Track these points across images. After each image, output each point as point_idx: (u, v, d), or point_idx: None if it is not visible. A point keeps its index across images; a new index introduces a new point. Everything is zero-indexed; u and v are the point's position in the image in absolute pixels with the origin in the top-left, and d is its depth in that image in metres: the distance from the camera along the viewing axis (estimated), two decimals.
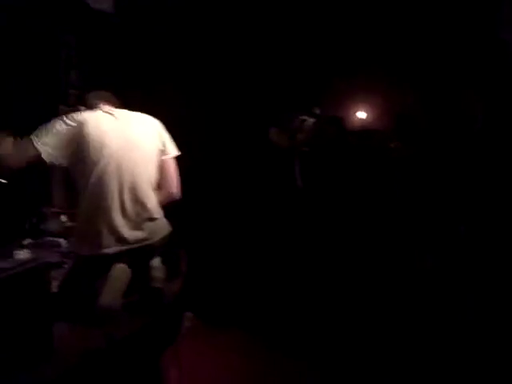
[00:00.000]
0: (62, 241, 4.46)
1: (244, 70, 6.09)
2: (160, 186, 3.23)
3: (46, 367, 2.57)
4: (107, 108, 3.19)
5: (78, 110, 3.16)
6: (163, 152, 3.21)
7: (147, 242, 3.10)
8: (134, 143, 3.08)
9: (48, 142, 2.90)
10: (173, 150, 3.25)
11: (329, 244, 4.50)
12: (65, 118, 3.00)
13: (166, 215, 3.30)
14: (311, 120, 5.11)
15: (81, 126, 2.97)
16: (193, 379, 3.28)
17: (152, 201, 3.13)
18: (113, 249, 2.99)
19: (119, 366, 2.88)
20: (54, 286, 3.15)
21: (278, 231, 4.68)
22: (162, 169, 3.19)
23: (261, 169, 5.18)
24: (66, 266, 3.63)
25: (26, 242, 4.66)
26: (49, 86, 5.56)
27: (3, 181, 5.07)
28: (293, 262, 4.45)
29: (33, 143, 2.90)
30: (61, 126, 2.95)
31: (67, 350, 2.78)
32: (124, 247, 3.02)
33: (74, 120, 2.98)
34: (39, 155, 2.90)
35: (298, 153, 4.94)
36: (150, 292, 3.12)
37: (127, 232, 3.02)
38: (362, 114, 6.00)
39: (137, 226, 3.06)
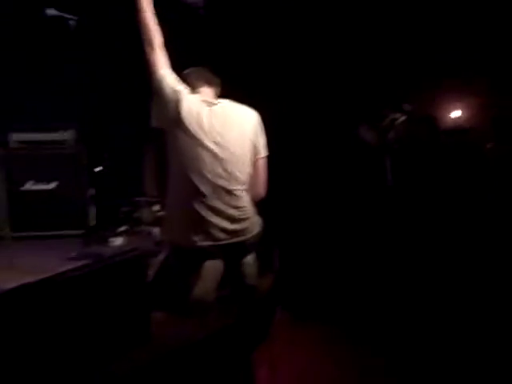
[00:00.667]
0: (154, 229, 4.57)
1: (335, 66, 6.04)
2: (249, 184, 3.21)
3: (142, 352, 2.63)
4: (207, 94, 3.13)
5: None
6: (256, 151, 3.18)
7: (240, 239, 3.09)
8: (229, 139, 3.04)
9: (170, 83, 2.95)
10: (264, 151, 3.22)
11: (416, 242, 4.44)
12: (182, 85, 3.01)
13: (259, 212, 3.31)
14: (403, 118, 5.02)
15: (179, 105, 2.96)
16: (282, 373, 3.29)
17: (245, 199, 3.12)
18: (206, 243, 2.99)
19: (212, 358, 2.92)
20: (149, 274, 3.23)
21: (367, 227, 4.64)
22: (252, 168, 3.17)
23: (350, 166, 5.14)
24: (160, 255, 3.72)
25: (121, 229, 4.82)
26: (139, 76, 5.69)
27: (99, 168, 5.26)
28: (381, 258, 4.41)
29: (162, 68, 2.95)
30: (180, 86, 2.97)
31: (163, 337, 2.83)
32: (217, 243, 3.04)
33: (178, 92, 2.98)
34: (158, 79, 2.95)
35: (388, 151, 4.87)
36: (242, 288, 3.12)
37: (220, 228, 3.02)
38: (456, 113, 5.85)
39: (230, 222, 3.06)
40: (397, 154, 4.87)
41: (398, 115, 5.02)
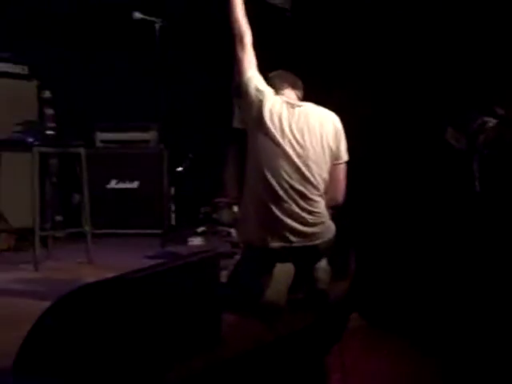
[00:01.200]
0: (232, 231, 4.57)
1: (422, 67, 5.87)
2: (325, 189, 3.16)
3: (213, 353, 2.61)
4: (290, 97, 3.12)
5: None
6: (335, 156, 3.12)
7: (312, 243, 3.06)
8: (309, 143, 3.00)
9: (256, 84, 2.97)
10: (345, 156, 3.15)
11: (505, 253, 4.22)
12: (267, 87, 3.02)
13: (337, 214, 3.25)
14: (493, 121, 4.81)
15: (262, 105, 2.96)
16: (355, 379, 3.21)
17: (320, 204, 3.08)
18: (278, 244, 2.97)
19: (283, 361, 2.88)
20: (224, 275, 3.22)
21: (452, 235, 4.46)
22: (330, 173, 3.12)
23: (436, 170, 4.97)
24: (236, 256, 3.71)
25: (200, 230, 4.85)
26: (222, 77, 5.74)
27: (180, 169, 5.33)
28: (466, 268, 4.23)
29: (249, 69, 2.98)
30: (265, 88, 3.00)
31: (234, 338, 2.82)
32: (289, 244, 3.00)
33: (262, 92, 2.99)
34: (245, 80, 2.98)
35: (477, 155, 4.67)
36: (314, 293, 3.08)
37: (293, 231, 3.00)
38: None
39: (303, 226, 3.03)
40: (486, 160, 4.67)
41: (488, 119, 4.81)
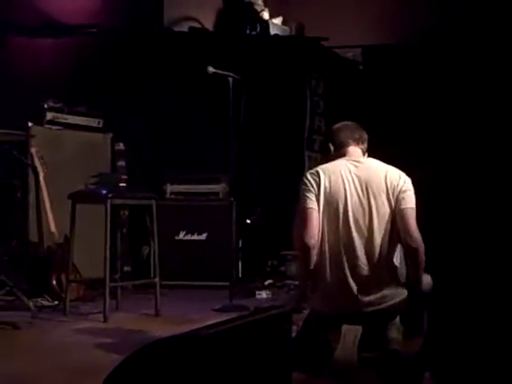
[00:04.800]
0: None
1: (486, 119, 5.75)
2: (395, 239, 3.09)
3: None
4: (353, 153, 3.12)
5: (328, 150, 3.16)
6: (399, 203, 3.05)
7: (382, 307, 2.98)
8: (371, 203, 2.96)
9: (314, 201, 2.98)
10: (411, 202, 3.06)
11: None
12: (315, 171, 3.05)
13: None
14: None
15: (320, 179, 2.99)
16: None
17: (388, 266, 3.00)
18: (346, 310, 2.94)
19: None
20: (293, 330, 3.16)
21: None
22: (399, 218, 3.04)
23: (508, 224, 4.81)
24: (304, 311, 3.64)
25: (267, 282, 4.81)
26: (294, 130, 5.78)
27: (248, 221, 5.33)
28: None
29: (313, 211, 2.99)
30: (312, 182, 3.01)
31: None
32: (359, 310, 2.94)
33: (314, 176, 3.02)
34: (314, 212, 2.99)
35: None
36: (387, 353, 2.98)
37: (360, 296, 2.93)
38: None
39: (371, 290, 2.96)
40: None
41: None
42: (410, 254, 3.03)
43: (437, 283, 4.40)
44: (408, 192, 3.04)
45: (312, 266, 3.00)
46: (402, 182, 3.04)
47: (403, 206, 3.01)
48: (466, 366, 3.76)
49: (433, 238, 4.74)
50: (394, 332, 3.01)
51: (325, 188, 2.99)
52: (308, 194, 3.00)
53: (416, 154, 5.24)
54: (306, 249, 2.96)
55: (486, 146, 5.69)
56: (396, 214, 3.01)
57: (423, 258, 3.01)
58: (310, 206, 2.98)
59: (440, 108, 6.03)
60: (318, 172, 3.03)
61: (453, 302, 4.37)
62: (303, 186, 3.04)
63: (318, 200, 2.99)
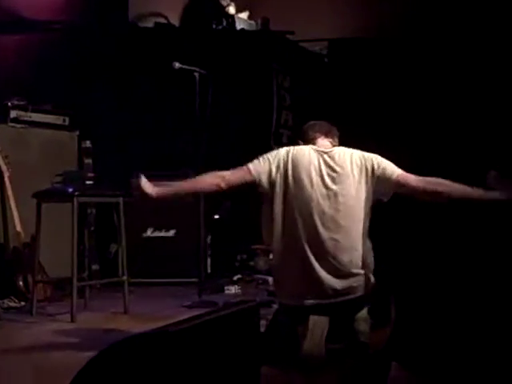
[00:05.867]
0: (269, 278, 4.53)
1: (465, 112, 5.82)
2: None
3: None
4: (322, 144, 3.11)
5: (297, 144, 3.16)
6: (384, 177, 3.00)
7: (349, 297, 3.00)
8: (339, 191, 2.95)
9: (260, 170, 2.95)
10: (393, 170, 3.01)
11: None
12: (277, 151, 3.04)
13: (377, 260, 3.18)
14: None
15: (286, 160, 2.98)
16: None
17: (353, 254, 3.00)
18: (314, 301, 2.93)
19: None
20: (262, 325, 3.18)
21: (494, 277, 4.34)
22: (401, 186, 3.01)
23: (477, 215, 4.88)
24: (273, 305, 3.66)
25: (236, 277, 4.83)
26: (261, 125, 5.79)
27: (216, 216, 5.33)
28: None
29: (250, 170, 2.97)
30: (272, 156, 3.00)
31: None
32: (326, 301, 2.95)
33: (282, 154, 3.01)
34: (253, 181, 2.96)
35: None
36: (355, 344, 3.00)
37: (328, 287, 2.94)
38: None
39: (339, 280, 2.96)
40: None
41: None
42: (438, 196, 3.02)
43: (403, 273, 4.46)
44: (384, 164, 3.03)
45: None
46: (369, 160, 3.03)
47: (392, 176, 3.00)
48: (434, 354, 3.82)
49: (401, 227, 4.81)
50: (362, 324, 3.03)
51: (287, 176, 2.96)
52: (262, 163, 3.00)
53: (383, 147, 5.29)
54: (212, 185, 3.01)
55: (453, 138, 5.76)
56: (393, 187, 3.01)
57: (447, 182, 3.01)
58: (251, 167, 2.99)
59: (405, 100, 6.08)
60: (287, 156, 3.00)
61: (419, 291, 4.43)
62: (267, 155, 3.03)
63: (271, 181, 2.97)
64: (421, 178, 3.03)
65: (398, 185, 3.00)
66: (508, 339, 3.77)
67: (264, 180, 2.97)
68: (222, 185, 2.99)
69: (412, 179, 3.01)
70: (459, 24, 6.04)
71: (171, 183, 3.17)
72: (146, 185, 3.05)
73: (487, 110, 5.72)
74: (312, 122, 3.23)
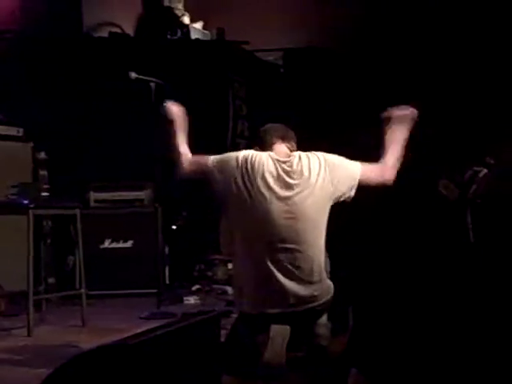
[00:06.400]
0: (228, 289, 4.54)
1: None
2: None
3: None
4: (280, 150, 3.09)
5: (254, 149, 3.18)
6: (341, 177, 3.10)
7: (310, 306, 3.02)
8: (297, 199, 2.93)
9: (218, 166, 2.98)
10: (355, 169, 3.05)
11: (501, 302, 4.20)
12: (238, 153, 3.05)
13: (334, 270, 3.22)
14: (484, 171, 4.85)
15: (244, 166, 2.96)
16: None
17: (314, 262, 3.01)
18: (275, 310, 2.91)
19: None
20: (222, 334, 3.18)
21: (448, 285, 4.44)
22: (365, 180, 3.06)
23: (429, 221, 4.98)
24: (232, 315, 3.66)
25: (194, 288, 4.82)
26: (218, 135, 5.81)
27: (174, 227, 5.32)
28: (463, 319, 4.19)
29: (208, 161, 3.01)
30: (230, 157, 3.01)
31: None
32: (287, 310, 2.94)
33: (240, 157, 3.02)
34: (209, 173, 2.98)
35: (470, 206, 4.69)
36: (314, 349, 3.03)
37: (288, 295, 2.95)
38: None
39: (299, 288, 2.98)
40: (479, 210, 4.69)
41: (479, 169, 4.85)
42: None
43: (362, 281, 4.53)
44: (344, 163, 3.07)
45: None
46: (328, 162, 3.03)
47: (354, 173, 3.03)
48: (391, 360, 3.89)
49: (359, 235, 4.86)
50: (323, 328, 3.05)
51: (245, 182, 2.94)
52: (224, 158, 3.02)
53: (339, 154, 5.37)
54: (182, 154, 3.11)
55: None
56: (355, 184, 3.03)
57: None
58: (211, 158, 3.01)
59: (359, 108, 6.19)
60: (246, 162, 2.98)
61: (376, 298, 4.50)
62: (232, 154, 3.04)
63: (225, 181, 2.96)
64: (374, 165, 3.11)
65: (361, 179, 3.04)
66: (464, 343, 3.87)
67: (218, 176, 2.96)
68: (185, 159, 3.09)
69: (370, 170, 3.08)
70: (409, 34, 6.20)
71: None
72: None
73: (439, 120, 5.86)
74: (268, 126, 3.21)
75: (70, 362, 2.10)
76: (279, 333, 2.96)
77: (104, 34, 5.92)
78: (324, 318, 3.07)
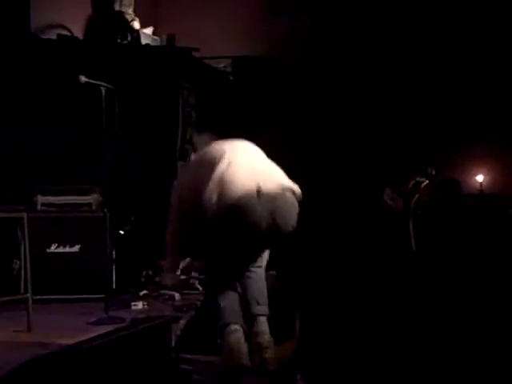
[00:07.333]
0: (176, 294, 4.56)
1: (359, 130, 6.11)
2: None
3: None
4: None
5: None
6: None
7: None
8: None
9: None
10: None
11: (442, 308, 4.35)
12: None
13: (279, 276, 3.30)
14: (426, 182, 5.02)
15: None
16: None
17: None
18: None
19: None
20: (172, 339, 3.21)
21: (392, 293, 4.57)
22: None
23: (374, 231, 5.12)
24: (181, 321, 3.69)
25: (142, 293, 4.81)
26: (167, 141, 5.82)
27: (121, 232, 5.29)
28: (408, 326, 4.32)
29: None
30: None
31: None
32: None
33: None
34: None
35: (412, 215, 4.84)
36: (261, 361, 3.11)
37: None
38: (480, 178, 5.83)
39: None
40: (420, 219, 4.84)
41: (421, 179, 5.01)
42: None
43: (307, 289, 4.61)
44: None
45: None
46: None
47: None
48: (335, 367, 3.97)
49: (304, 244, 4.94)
50: (265, 337, 3.14)
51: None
52: None
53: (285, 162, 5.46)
54: None
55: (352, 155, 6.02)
56: None
57: None
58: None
59: (306, 117, 6.31)
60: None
61: (323, 307, 4.59)
62: None
63: None
64: None
65: None
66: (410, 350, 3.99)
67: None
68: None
69: None
70: (359, 44, 6.36)
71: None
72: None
73: (383, 129, 6.03)
74: (199, 137, 3.44)
75: (21, 367, 2.10)
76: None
77: (52, 36, 5.85)
78: (265, 326, 3.15)
